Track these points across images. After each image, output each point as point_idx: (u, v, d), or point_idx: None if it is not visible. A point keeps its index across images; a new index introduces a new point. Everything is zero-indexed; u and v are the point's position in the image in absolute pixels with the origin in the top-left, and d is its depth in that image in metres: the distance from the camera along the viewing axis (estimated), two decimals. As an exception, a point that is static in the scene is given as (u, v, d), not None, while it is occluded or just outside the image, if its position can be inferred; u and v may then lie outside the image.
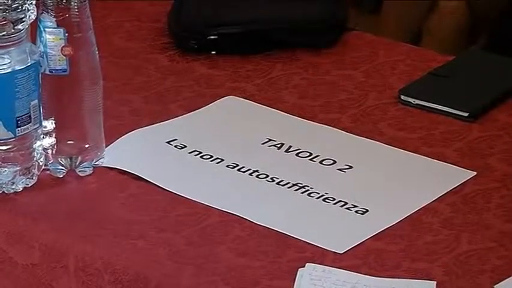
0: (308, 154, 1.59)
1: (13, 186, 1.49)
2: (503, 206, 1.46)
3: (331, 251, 1.34)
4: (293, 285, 1.27)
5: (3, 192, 1.48)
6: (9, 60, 1.43)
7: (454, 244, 1.38)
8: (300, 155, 1.59)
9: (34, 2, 1.44)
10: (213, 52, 1.88)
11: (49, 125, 1.51)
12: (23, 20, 1.42)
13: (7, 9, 1.40)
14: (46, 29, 1.47)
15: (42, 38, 1.48)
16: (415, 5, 2.76)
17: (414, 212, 1.45)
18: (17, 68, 1.43)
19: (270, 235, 1.38)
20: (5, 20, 1.40)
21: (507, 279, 1.28)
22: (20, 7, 1.41)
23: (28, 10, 1.43)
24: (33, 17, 1.44)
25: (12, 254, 1.49)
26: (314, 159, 1.57)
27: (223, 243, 1.38)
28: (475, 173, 1.53)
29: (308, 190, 1.49)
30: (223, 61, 1.86)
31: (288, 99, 1.77)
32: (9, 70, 1.43)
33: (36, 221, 1.48)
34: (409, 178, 1.55)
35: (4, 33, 1.41)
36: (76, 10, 1.47)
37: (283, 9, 1.98)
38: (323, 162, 1.57)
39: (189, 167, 1.57)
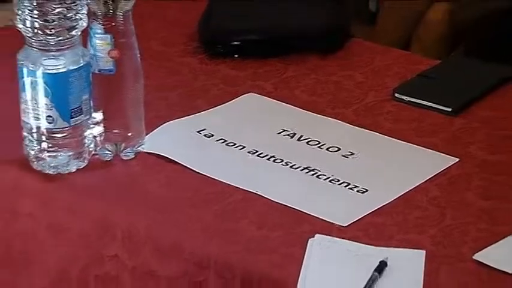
0: (317, 142, 1.59)
1: (67, 168, 1.49)
2: (482, 187, 1.46)
3: (336, 224, 1.35)
4: (305, 252, 1.27)
5: (59, 173, 1.49)
6: (64, 61, 1.43)
7: (440, 219, 1.38)
8: (309, 143, 1.59)
9: (85, 12, 1.44)
10: (236, 56, 1.88)
11: (98, 116, 1.51)
12: (76, 27, 1.42)
13: (63, 18, 1.39)
14: (96, 35, 1.47)
15: (92, 43, 1.47)
16: (405, 17, 2.76)
17: (407, 192, 1.45)
18: (71, 68, 1.43)
19: (285, 210, 1.39)
20: (61, 27, 1.40)
21: (485, 249, 1.28)
22: (73, 16, 1.41)
23: (80, 19, 1.43)
24: (84, 24, 1.44)
25: (69, 225, 1.50)
26: (321, 147, 1.57)
27: (245, 218, 1.39)
28: (457, 159, 1.53)
29: (317, 173, 1.49)
30: (245, 63, 1.87)
31: (300, 96, 1.76)
32: (64, 70, 1.43)
33: (88, 197, 1.50)
34: (402, 163, 1.55)
35: (60, 38, 1.40)
36: (121, 19, 1.47)
37: (295, 20, 1.97)
38: (329, 150, 1.57)
39: (215, 153, 1.57)
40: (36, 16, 1.40)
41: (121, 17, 1.47)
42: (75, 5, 1.42)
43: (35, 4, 1.39)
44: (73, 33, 1.43)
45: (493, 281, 1.23)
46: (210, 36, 1.93)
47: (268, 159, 1.54)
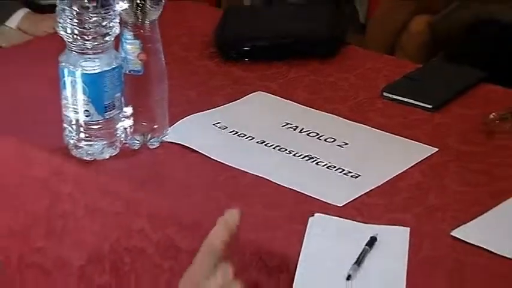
0: (316, 134, 1.59)
1: (102, 155, 1.50)
2: (458, 173, 1.47)
3: (333, 205, 1.36)
4: (306, 229, 1.27)
5: (95, 159, 1.50)
6: (99, 63, 1.44)
7: (423, 200, 1.40)
8: (309, 134, 1.59)
9: (118, 21, 1.45)
10: (246, 59, 1.87)
11: (128, 110, 1.52)
12: (110, 33, 1.43)
13: (98, 26, 1.41)
14: (126, 41, 1.48)
15: (123, 47, 1.48)
16: (390, 28, 2.76)
17: (394, 177, 1.46)
18: (105, 69, 1.44)
19: (288, 193, 1.39)
20: (96, 34, 1.41)
21: (461, 226, 1.29)
22: (107, 24, 1.42)
23: (113, 27, 1.44)
24: (117, 31, 1.45)
25: (101, 205, 1.51)
26: (320, 138, 1.57)
27: (254, 199, 1.40)
28: (437, 149, 1.54)
29: (316, 160, 1.50)
30: (254, 66, 1.86)
31: (301, 94, 1.74)
32: (99, 70, 1.44)
33: (119, 180, 1.52)
34: (390, 152, 1.56)
35: (96, 43, 1.42)
36: (148, 27, 1.48)
37: (298, 28, 1.97)
38: (327, 140, 1.57)
39: (229, 143, 1.57)
40: (75, 24, 1.41)
41: (148, 25, 1.48)
42: (109, 15, 1.43)
43: (74, 14, 1.40)
44: (107, 38, 1.44)
45: (467, 254, 1.24)
46: (224, 42, 1.92)
47: (273, 148, 1.54)
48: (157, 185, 1.48)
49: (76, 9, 1.39)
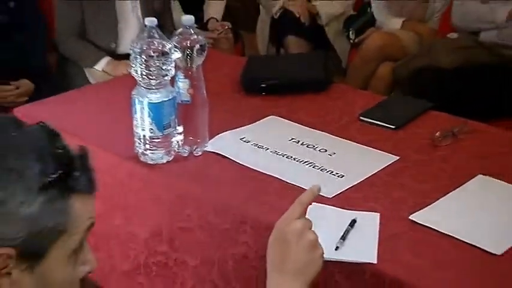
0: (312, 146, 1.58)
1: (161, 160, 1.51)
2: (413, 175, 1.46)
3: (325, 197, 1.35)
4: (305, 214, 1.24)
5: (156, 163, 1.50)
6: (160, 95, 1.44)
7: (389, 194, 1.39)
8: (308, 146, 1.58)
9: (173, 65, 1.45)
10: (263, 93, 1.86)
11: (180, 129, 1.52)
12: (167, 74, 1.44)
13: (160, 69, 1.41)
14: (179, 80, 1.48)
15: (177, 84, 1.48)
16: (363, 72, 2.72)
17: (368, 177, 1.46)
18: (164, 99, 1.44)
19: (294, 188, 1.38)
20: (158, 75, 1.41)
21: (417, 212, 1.30)
22: (166, 68, 1.42)
23: (170, 69, 1.44)
24: (173, 73, 1.45)
25: (162, 196, 1.53)
26: (315, 149, 1.56)
27: (269, 192, 1.40)
28: (398, 157, 1.52)
29: (312, 165, 1.50)
30: (268, 98, 1.85)
31: (302, 118, 1.72)
32: (160, 100, 1.44)
33: (173, 178, 1.52)
34: (365, 160, 1.55)
35: (158, 81, 1.42)
36: (195, 70, 1.48)
37: (299, 71, 1.98)
38: (320, 151, 1.56)
39: (251, 152, 1.57)
40: (143, 68, 1.42)
41: (195, 69, 1.48)
42: (167, 61, 1.43)
43: (143, 61, 1.41)
44: (166, 78, 1.45)
45: (421, 232, 1.25)
46: (247, 81, 1.92)
47: (282, 156, 1.54)
48: (200, 181, 1.48)
49: (144, 57, 1.41)
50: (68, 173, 0.76)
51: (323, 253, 1.02)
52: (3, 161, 0.73)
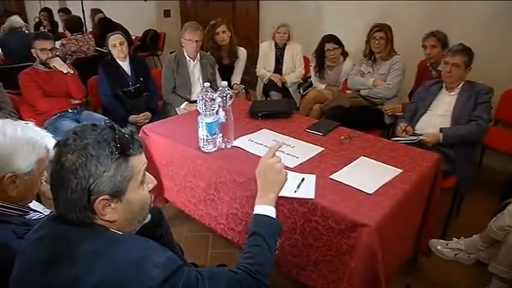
0: (284, 143, 1.36)
1: (211, 150, 1.49)
2: (331, 157, 1.42)
3: (290, 167, 1.31)
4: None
5: (209, 151, 1.48)
6: (211, 119, 1.44)
7: (319, 165, 1.36)
8: (284, 143, 1.50)
9: (217, 104, 1.44)
10: (260, 117, 1.84)
11: (220, 134, 1.50)
12: (214, 109, 1.44)
13: (211, 107, 1.42)
14: (219, 111, 1.46)
15: (218, 113, 1.46)
16: (306, 107, 2.60)
17: (310, 158, 1.41)
18: (213, 121, 1.44)
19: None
20: (210, 109, 1.43)
21: (333, 174, 1.29)
22: (214, 105, 1.43)
23: (216, 106, 1.43)
24: (217, 108, 1.44)
25: (210, 166, 1.47)
26: (285, 144, 1.50)
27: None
28: (324, 148, 1.48)
29: (284, 151, 1.45)
30: (263, 120, 1.82)
31: (279, 129, 1.69)
32: (210, 121, 1.44)
33: (217, 158, 1.46)
34: (308, 149, 1.49)
35: (210, 112, 1.43)
36: (228, 106, 1.47)
37: (277, 108, 1.94)
38: (287, 145, 1.52)
39: (254, 146, 1.51)
40: (203, 107, 1.43)
41: (227, 106, 1.49)
42: (215, 103, 1.44)
43: (203, 103, 1.42)
44: (214, 111, 1.45)
45: (335, 183, 1.26)
46: (252, 112, 1.88)
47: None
48: (233, 162, 1.43)
49: (203, 101, 1.41)
50: (124, 148, 0.69)
51: (286, 174, 0.92)
52: (88, 151, 0.66)
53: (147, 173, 0.74)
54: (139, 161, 0.72)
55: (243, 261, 0.79)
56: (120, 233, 0.70)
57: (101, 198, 0.67)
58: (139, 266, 0.63)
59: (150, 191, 0.76)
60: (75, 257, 0.63)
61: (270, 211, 0.86)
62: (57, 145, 0.69)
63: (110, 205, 0.69)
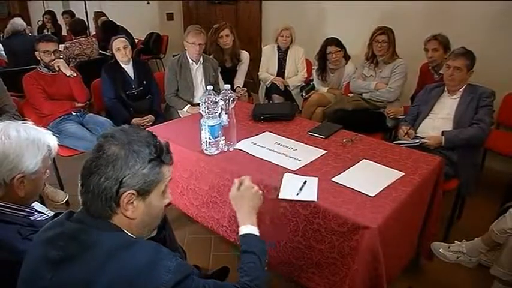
0: (286, 146, 1.55)
1: (214, 153, 1.49)
2: (334, 160, 1.42)
3: (292, 170, 1.33)
4: (283, 177, 1.30)
5: (212, 154, 1.47)
6: (213, 121, 1.43)
7: (322, 168, 1.35)
8: (284, 146, 1.55)
9: (220, 107, 1.43)
10: (262, 120, 1.84)
11: (223, 137, 1.50)
12: (217, 112, 1.44)
13: (214, 109, 1.41)
14: (222, 114, 1.47)
15: (221, 116, 1.47)
16: (309, 111, 2.60)
17: (312, 160, 1.41)
18: (215, 124, 1.44)
19: (276, 166, 1.37)
20: (213, 112, 1.42)
21: (335, 177, 1.29)
22: (217, 108, 1.42)
23: (219, 109, 1.43)
24: (220, 111, 1.44)
25: (213, 169, 1.46)
26: (287, 147, 1.53)
27: (267, 169, 1.35)
28: (326, 151, 1.48)
29: (286, 154, 1.46)
30: (265, 123, 1.82)
31: (281, 132, 1.70)
32: (213, 124, 1.43)
33: (219, 161, 1.46)
34: (310, 152, 1.49)
35: (212, 115, 1.42)
36: (230, 110, 1.48)
37: (279, 111, 1.92)
38: (289, 148, 1.52)
39: (257, 149, 1.52)
40: (205, 109, 1.43)
41: (230, 109, 1.48)
42: (218, 106, 1.44)
43: (206, 106, 1.42)
44: (216, 114, 1.44)
45: (337, 186, 1.26)
46: (255, 115, 1.88)
47: (271, 151, 1.50)
48: (234, 164, 1.43)
49: (206, 104, 1.42)
50: (161, 154, 0.74)
51: (261, 195, 1.00)
52: (131, 146, 0.71)
53: (168, 188, 0.78)
54: (169, 171, 0.76)
55: (242, 280, 0.86)
56: (134, 236, 0.72)
57: (128, 192, 0.70)
58: (152, 270, 0.65)
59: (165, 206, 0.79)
60: (88, 258, 0.65)
61: (255, 231, 0.94)
62: (102, 136, 0.72)
63: (133, 203, 0.71)
